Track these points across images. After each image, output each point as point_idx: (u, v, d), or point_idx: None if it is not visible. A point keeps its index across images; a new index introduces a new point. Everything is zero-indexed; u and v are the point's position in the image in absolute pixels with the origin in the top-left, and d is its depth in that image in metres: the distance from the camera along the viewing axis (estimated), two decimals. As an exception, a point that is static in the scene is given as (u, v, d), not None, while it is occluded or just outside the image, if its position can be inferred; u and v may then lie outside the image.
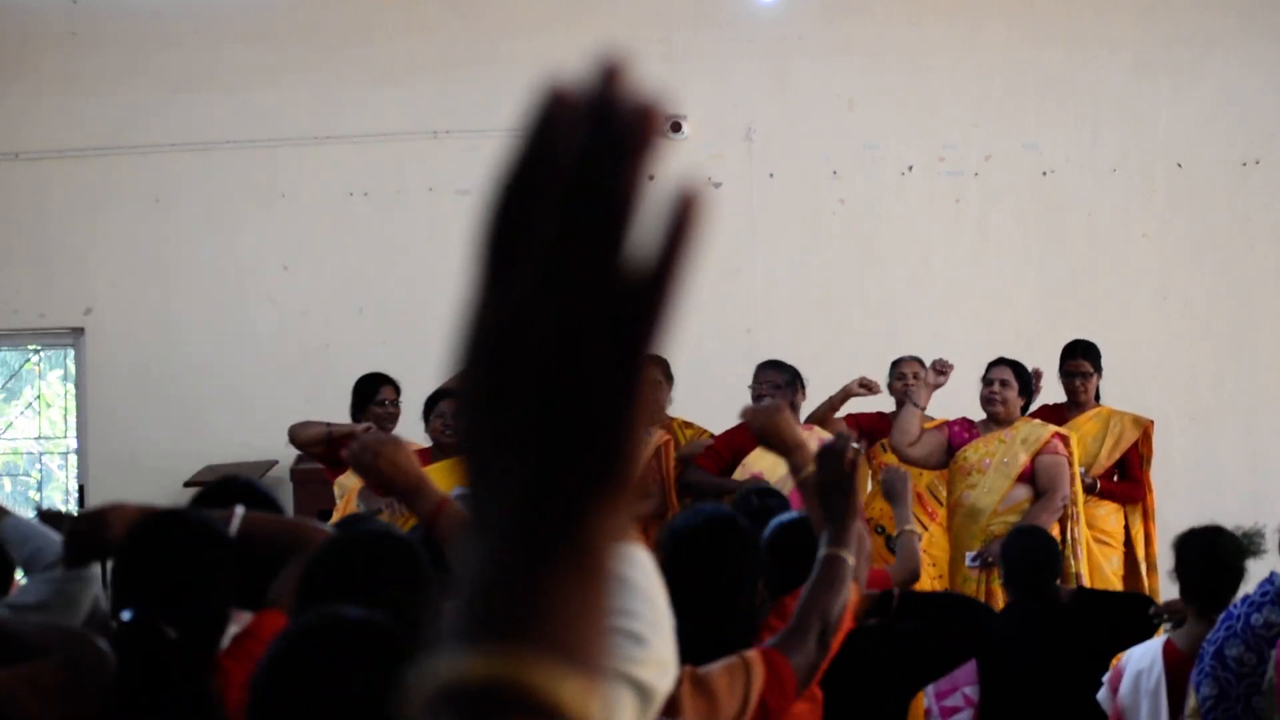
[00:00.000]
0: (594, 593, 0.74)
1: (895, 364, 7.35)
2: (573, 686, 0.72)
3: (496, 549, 0.74)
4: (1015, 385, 6.99)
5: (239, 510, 2.73)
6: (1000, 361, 7.06)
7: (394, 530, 2.86)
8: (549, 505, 0.74)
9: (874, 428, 7.36)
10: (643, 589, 2.30)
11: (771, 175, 9.14)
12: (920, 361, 7.24)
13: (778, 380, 7.01)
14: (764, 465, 6.80)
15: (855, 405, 7.42)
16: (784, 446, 3.46)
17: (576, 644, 0.73)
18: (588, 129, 0.76)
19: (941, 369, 7.03)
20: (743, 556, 3.19)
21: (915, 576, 5.18)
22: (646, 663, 2.05)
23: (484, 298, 0.75)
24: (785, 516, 3.97)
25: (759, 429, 3.46)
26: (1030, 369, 7.12)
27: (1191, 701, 4.26)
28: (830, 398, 7.20)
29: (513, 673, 0.72)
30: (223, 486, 3.41)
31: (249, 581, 2.93)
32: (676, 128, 9.09)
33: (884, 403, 7.44)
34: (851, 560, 3.03)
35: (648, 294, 0.75)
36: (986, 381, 7.01)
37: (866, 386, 7.21)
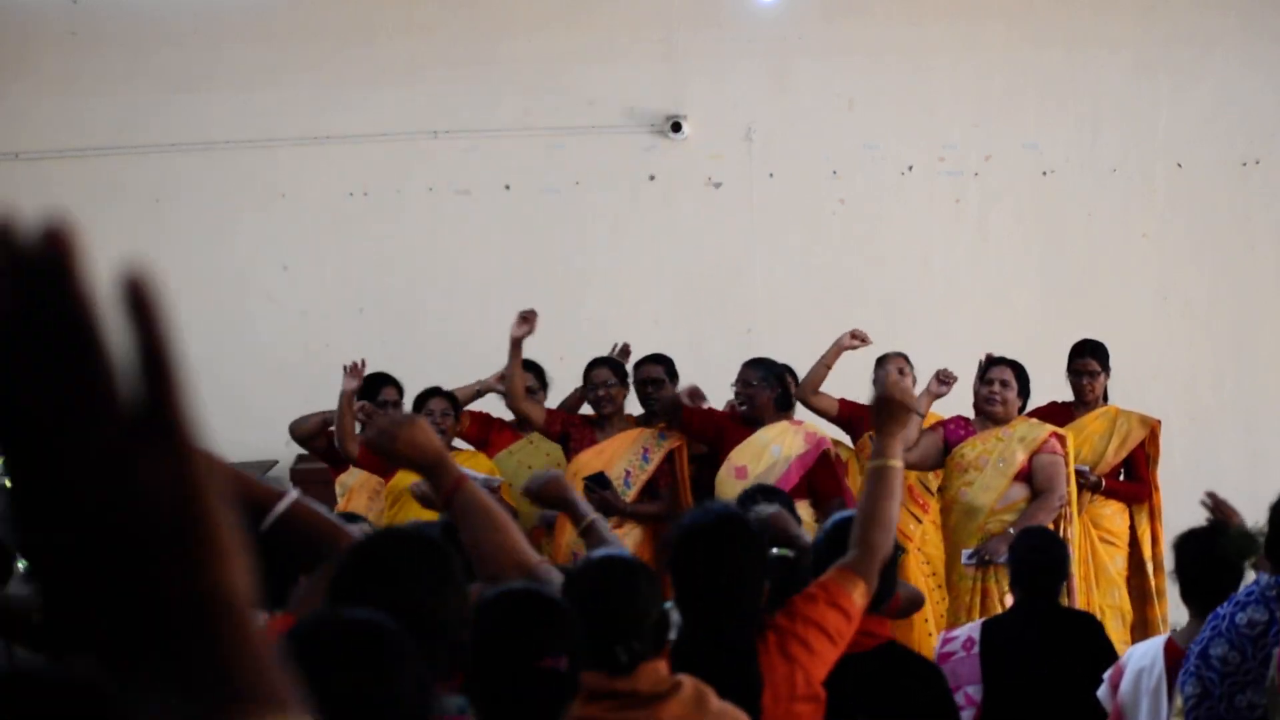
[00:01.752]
0: (253, 634, 0.75)
1: (880, 360, 7.32)
2: None
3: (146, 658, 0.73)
4: (1015, 385, 6.99)
5: (293, 493, 2.74)
6: (1000, 361, 7.06)
7: (422, 530, 2.86)
8: (163, 624, 0.73)
9: (862, 419, 7.33)
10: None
11: (771, 175, 9.14)
12: (906, 358, 7.23)
13: (750, 379, 7.02)
14: (749, 456, 6.82)
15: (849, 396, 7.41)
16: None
17: (267, 690, 0.74)
18: (9, 281, 0.74)
19: (945, 379, 7.03)
20: (748, 555, 3.21)
21: (920, 601, 5.20)
22: None
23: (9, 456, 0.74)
24: (843, 514, 4.00)
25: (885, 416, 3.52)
26: (944, 370, 7.17)
27: (1177, 701, 4.27)
28: (822, 356, 7.18)
29: None
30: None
31: (267, 584, 2.92)
32: (677, 128, 9.09)
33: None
34: (897, 463, 3.41)
35: (151, 388, 0.74)
36: (986, 381, 7.01)
37: (860, 339, 7.16)
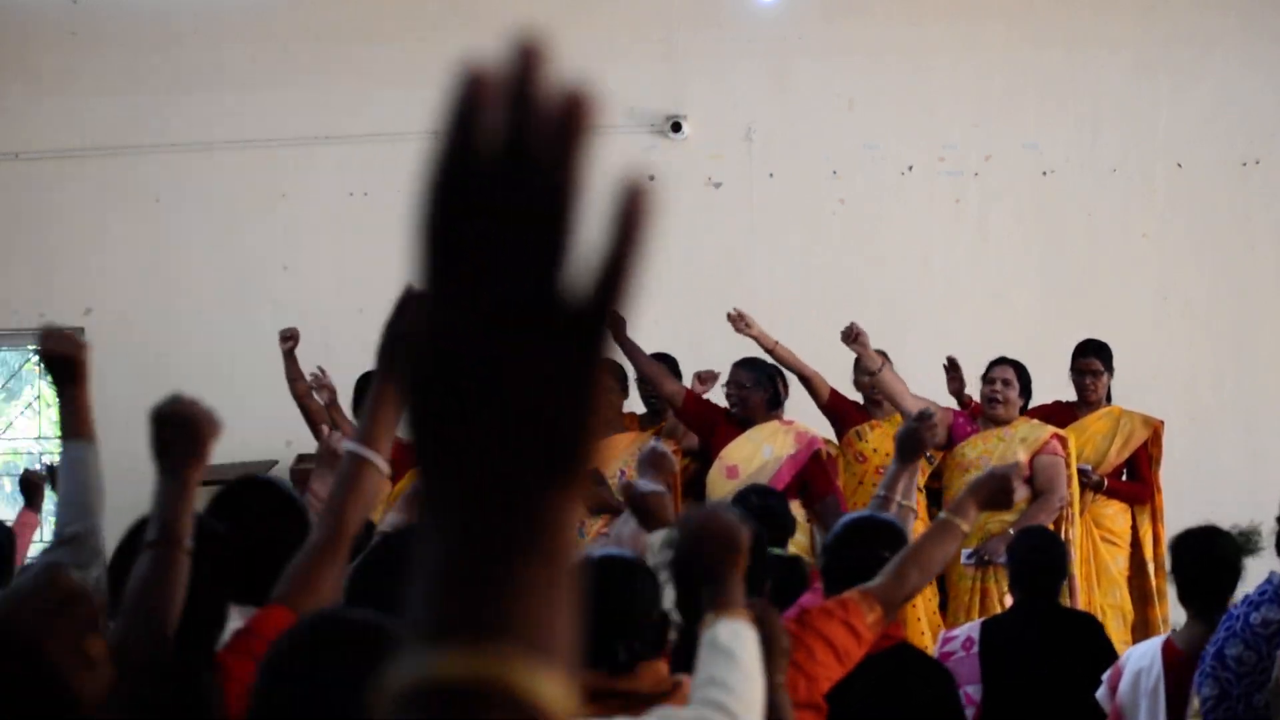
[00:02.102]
0: (558, 586, 0.73)
1: (857, 360, 7.27)
2: (550, 682, 0.71)
3: (458, 546, 0.73)
4: (1017, 385, 7.00)
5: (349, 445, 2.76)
6: (1002, 361, 7.07)
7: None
8: (504, 499, 0.73)
9: (848, 414, 7.30)
10: (743, 664, 2.28)
11: (771, 175, 9.13)
12: (885, 355, 7.22)
13: (743, 380, 7.02)
14: (740, 457, 6.82)
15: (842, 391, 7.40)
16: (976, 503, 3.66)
17: (548, 639, 0.72)
18: (513, 118, 0.73)
19: (856, 334, 6.91)
20: (750, 557, 3.20)
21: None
22: None
23: (429, 299, 0.74)
24: (854, 516, 4.01)
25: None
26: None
27: (1194, 703, 4.26)
28: (867, 367, 7.06)
29: (492, 670, 0.71)
30: (243, 484, 3.40)
31: (251, 576, 2.92)
32: (677, 128, 9.09)
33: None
34: (967, 528, 3.43)
35: (598, 294, 0.73)
36: (988, 381, 7.02)
37: (853, 336, 7.08)
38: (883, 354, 7.14)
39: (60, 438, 3.27)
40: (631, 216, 0.73)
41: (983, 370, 7.16)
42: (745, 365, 7.11)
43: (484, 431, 0.72)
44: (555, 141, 0.74)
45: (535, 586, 0.72)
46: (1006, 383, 6.97)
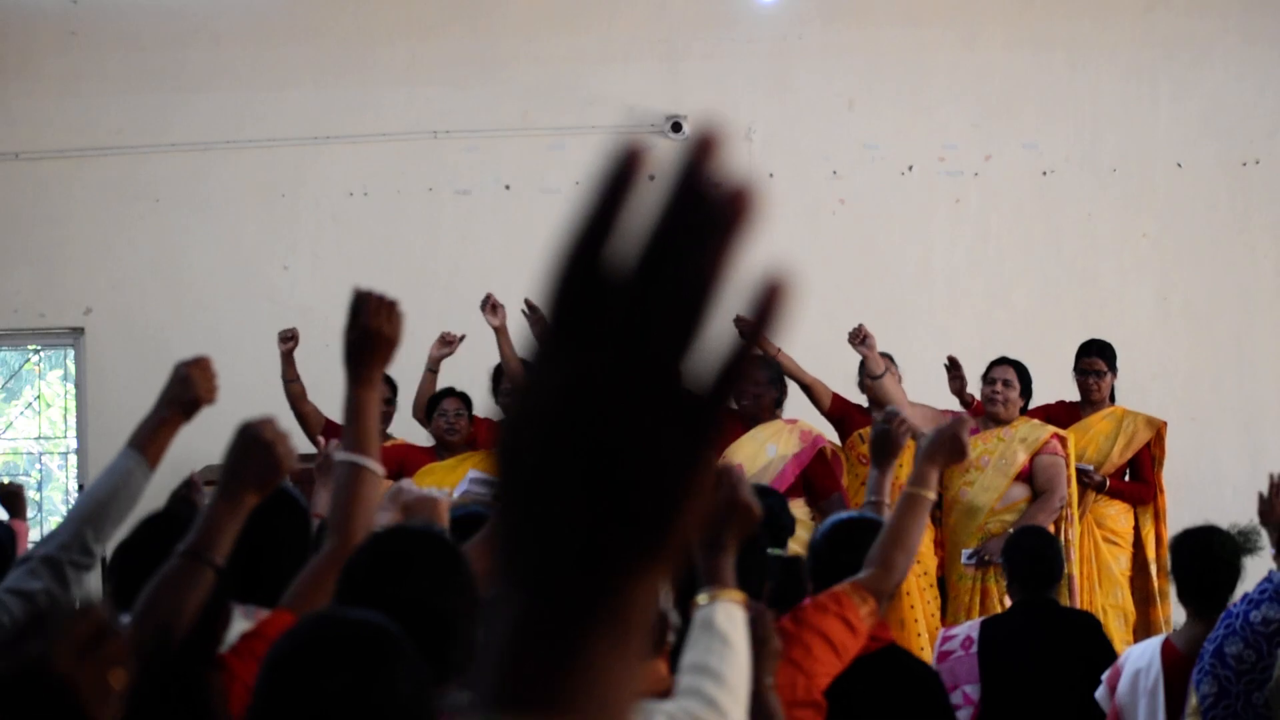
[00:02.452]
0: (625, 663, 0.73)
1: (862, 364, 7.29)
2: None
3: (530, 611, 0.72)
4: (1017, 385, 7.00)
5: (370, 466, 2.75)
6: (1003, 361, 7.07)
7: (432, 528, 2.85)
8: (591, 571, 0.72)
9: (851, 416, 7.33)
10: (736, 651, 2.24)
11: (771, 175, 9.13)
12: (890, 358, 7.23)
13: (759, 378, 7.02)
14: (744, 456, 6.82)
15: (844, 393, 7.41)
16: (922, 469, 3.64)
17: (612, 716, 0.72)
18: (676, 201, 0.73)
19: (863, 336, 6.96)
20: (749, 558, 3.20)
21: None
22: None
23: (552, 355, 0.73)
24: (841, 515, 4.01)
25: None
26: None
27: (1192, 700, 4.26)
28: (870, 371, 7.10)
29: None
30: None
31: (252, 575, 2.92)
32: (677, 128, 9.09)
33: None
34: (932, 495, 3.40)
35: (719, 382, 0.73)
36: (989, 381, 7.02)
37: (858, 338, 7.10)
38: (889, 358, 7.15)
39: (130, 441, 3.19)
40: (767, 311, 0.74)
41: (983, 370, 7.16)
42: (758, 364, 7.11)
43: (579, 504, 0.72)
44: (711, 229, 0.73)
45: (606, 663, 0.72)
46: (1007, 383, 6.98)
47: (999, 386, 6.97)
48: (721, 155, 0.75)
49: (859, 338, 6.98)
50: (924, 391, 7.22)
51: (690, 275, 0.73)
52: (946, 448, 3.55)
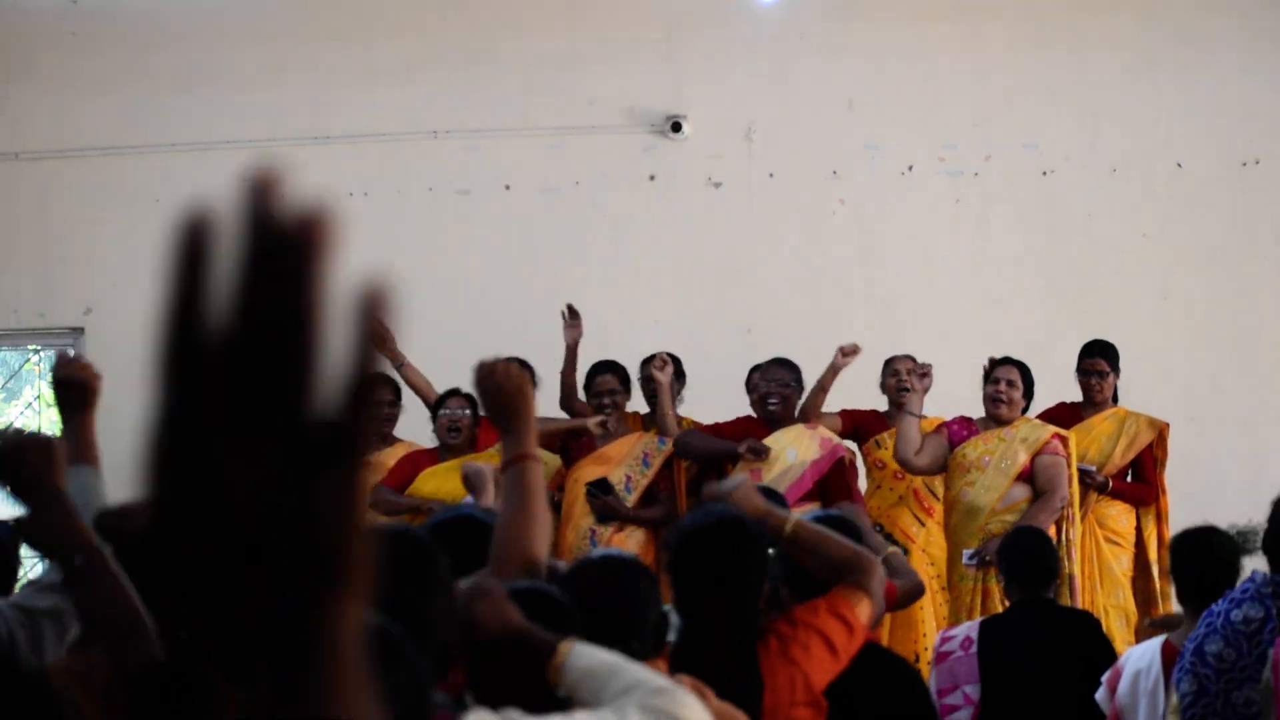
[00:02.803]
0: (360, 683, 0.75)
1: (888, 362, 7.33)
2: None
3: (266, 666, 0.74)
4: (1021, 385, 6.99)
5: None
6: (1006, 361, 7.06)
7: (410, 529, 2.84)
8: (302, 617, 0.74)
9: (867, 425, 7.36)
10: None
11: (771, 175, 9.13)
12: (914, 359, 7.24)
13: (787, 380, 7.04)
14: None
15: (849, 400, 7.40)
16: (753, 517, 3.47)
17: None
18: (250, 246, 0.74)
19: (924, 372, 7.05)
20: (749, 558, 3.20)
21: (920, 590, 5.21)
22: (677, 699, 2.05)
23: (179, 441, 0.73)
24: (816, 513, 4.00)
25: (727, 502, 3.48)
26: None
27: (1173, 699, 4.27)
28: (820, 380, 7.14)
29: None
30: None
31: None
32: (677, 128, 9.09)
33: (877, 399, 7.44)
34: (793, 520, 3.36)
35: (348, 407, 0.74)
36: (992, 381, 7.00)
37: (850, 353, 7.10)
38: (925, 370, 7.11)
39: (67, 462, 3.26)
40: (372, 324, 0.74)
41: (982, 370, 7.16)
42: (784, 365, 7.11)
43: (257, 560, 0.73)
44: (290, 262, 0.73)
45: (347, 689, 0.74)
46: (1011, 383, 6.97)
47: (1003, 386, 6.96)
48: (281, 188, 0.75)
49: (845, 353, 7.06)
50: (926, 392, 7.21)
51: (284, 313, 0.73)
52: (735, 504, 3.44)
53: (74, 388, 3.29)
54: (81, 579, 2.59)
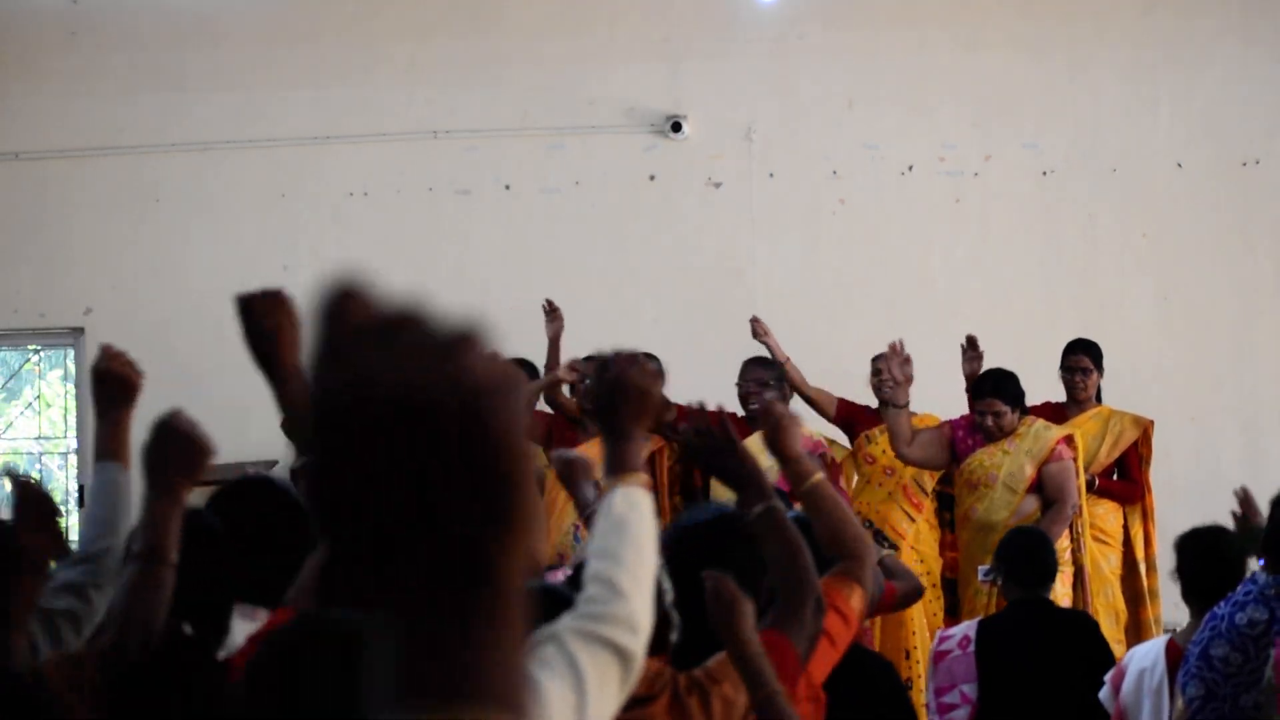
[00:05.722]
0: (510, 639, 0.78)
1: (873, 361, 7.30)
2: None
3: (414, 614, 0.76)
4: (1008, 411, 6.89)
5: None
6: (991, 393, 6.89)
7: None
8: (455, 566, 0.76)
9: (858, 418, 7.35)
10: (634, 534, 2.24)
11: (771, 175, 9.13)
12: (896, 349, 7.20)
13: (765, 378, 7.04)
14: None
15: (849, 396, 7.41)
16: (783, 456, 3.46)
17: (502, 691, 0.77)
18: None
19: (905, 359, 6.91)
20: (746, 555, 3.19)
21: (919, 593, 5.21)
22: (618, 623, 2.03)
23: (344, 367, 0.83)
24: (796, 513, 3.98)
25: (769, 430, 3.47)
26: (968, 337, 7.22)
27: (1179, 704, 4.26)
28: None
29: None
30: (242, 484, 3.40)
31: (253, 575, 2.92)
32: (677, 128, 9.09)
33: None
34: (820, 476, 3.32)
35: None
36: (979, 413, 6.92)
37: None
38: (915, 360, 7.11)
39: (96, 456, 3.25)
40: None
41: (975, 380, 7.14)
42: (763, 364, 7.15)
43: (424, 502, 0.77)
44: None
45: (487, 646, 0.77)
46: (998, 415, 6.88)
47: (989, 420, 6.88)
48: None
49: (760, 331, 7.35)
50: (923, 391, 7.19)
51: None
52: (774, 430, 3.49)
53: (114, 382, 3.25)
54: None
